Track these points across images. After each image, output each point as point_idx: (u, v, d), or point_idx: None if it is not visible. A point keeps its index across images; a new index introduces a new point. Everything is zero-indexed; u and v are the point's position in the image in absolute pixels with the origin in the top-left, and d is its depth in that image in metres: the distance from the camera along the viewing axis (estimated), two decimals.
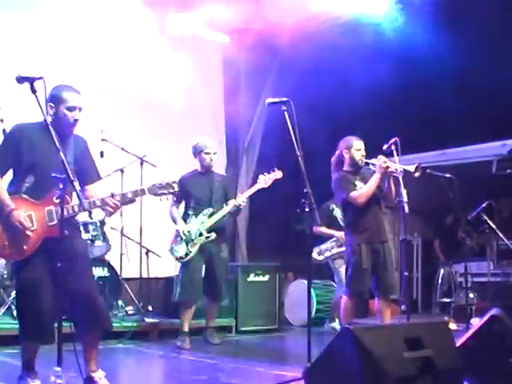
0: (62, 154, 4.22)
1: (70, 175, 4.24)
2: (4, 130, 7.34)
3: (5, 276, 7.95)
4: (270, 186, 7.90)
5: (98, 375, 4.89)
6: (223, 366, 6.42)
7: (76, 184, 4.34)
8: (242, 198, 7.77)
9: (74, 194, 4.67)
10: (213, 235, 7.70)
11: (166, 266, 9.47)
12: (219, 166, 11.44)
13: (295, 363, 6.04)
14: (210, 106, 11.61)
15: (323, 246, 8.79)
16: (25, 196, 4.71)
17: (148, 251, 9.02)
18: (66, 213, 4.53)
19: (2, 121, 7.57)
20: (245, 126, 11.85)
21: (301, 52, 10.26)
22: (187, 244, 7.73)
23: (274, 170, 7.82)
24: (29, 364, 4.86)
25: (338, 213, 8.74)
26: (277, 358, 7.36)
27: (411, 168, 6.82)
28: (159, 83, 10.69)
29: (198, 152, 8.03)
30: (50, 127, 4.32)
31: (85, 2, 9.83)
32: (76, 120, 4.82)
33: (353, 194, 6.85)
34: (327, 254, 8.76)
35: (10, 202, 4.64)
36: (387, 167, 6.71)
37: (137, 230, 8.94)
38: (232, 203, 7.73)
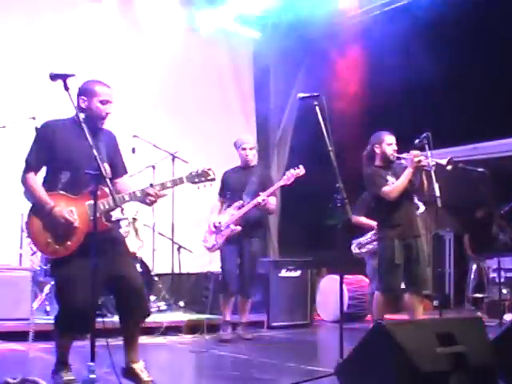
0: (94, 150, 4.25)
1: (103, 172, 4.28)
2: (36, 128, 7.42)
3: (38, 272, 8.03)
4: (300, 182, 7.84)
5: (139, 366, 4.88)
6: (255, 362, 6.42)
7: (109, 181, 4.37)
8: (262, 196, 7.67)
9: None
10: (237, 228, 7.71)
11: (197, 262, 9.52)
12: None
13: (327, 359, 6.04)
14: (240, 101, 11.64)
15: (363, 239, 8.51)
16: (62, 192, 4.74)
17: (180, 247, 9.05)
18: (106, 206, 4.67)
19: (34, 118, 7.64)
20: (276, 120, 11.85)
21: (332, 44, 10.25)
22: (216, 235, 7.84)
23: (298, 167, 7.74)
24: (63, 358, 4.90)
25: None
26: (309, 353, 7.35)
27: (443, 162, 6.77)
28: (190, 79, 10.74)
29: (236, 148, 8.09)
30: (83, 124, 4.36)
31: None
32: (107, 113, 4.88)
33: (385, 189, 6.81)
34: (369, 247, 8.50)
35: (49, 200, 4.68)
36: (419, 161, 6.67)
37: (169, 226, 8.98)
38: (256, 200, 7.68)
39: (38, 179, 4.84)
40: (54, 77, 4.36)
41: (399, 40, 9.44)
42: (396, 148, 6.98)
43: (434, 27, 9.42)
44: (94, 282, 4.25)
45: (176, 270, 9.03)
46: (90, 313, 4.30)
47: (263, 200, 7.62)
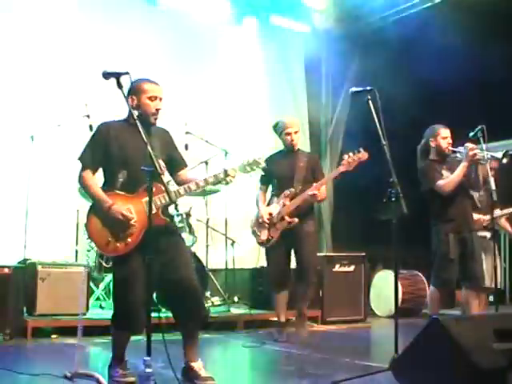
0: (149, 147, 4.28)
1: (158, 168, 4.32)
2: (91, 126, 7.51)
3: (94, 268, 8.13)
4: (353, 176, 7.40)
5: (198, 365, 4.93)
6: (309, 357, 6.42)
7: (163, 177, 4.42)
8: (318, 185, 7.20)
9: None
10: (295, 220, 7.22)
11: (251, 257, 9.55)
12: None
13: (382, 354, 6.01)
14: (292, 98, 11.63)
15: None
16: (119, 192, 4.83)
17: (233, 242, 9.08)
18: (162, 201, 4.76)
19: (88, 116, 7.74)
20: (327, 117, 11.81)
21: (384, 39, 10.17)
22: (269, 229, 7.38)
23: (359, 151, 7.10)
24: (119, 353, 4.97)
25: (474, 193, 7.82)
26: (363, 348, 7.33)
27: (499, 155, 6.69)
28: (242, 75, 10.76)
29: (279, 133, 7.65)
30: (137, 121, 4.41)
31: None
32: (158, 109, 4.95)
33: (440, 182, 6.76)
34: None
35: (107, 198, 4.76)
36: (474, 155, 6.60)
37: (222, 222, 9.01)
38: (311, 190, 7.14)
39: (95, 179, 4.92)
40: (107, 75, 4.40)
41: (453, 33, 9.34)
42: (451, 141, 6.91)
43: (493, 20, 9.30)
44: (149, 280, 4.30)
45: (230, 265, 9.05)
46: (144, 312, 4.34)
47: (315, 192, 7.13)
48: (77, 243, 8.40)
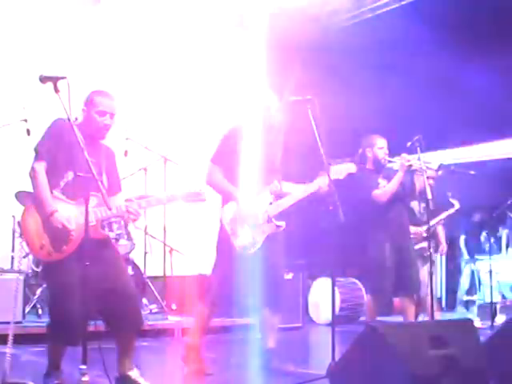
0: (85, 153, 4.21)
1: (95, 175, 4.22)
2: (28, 130, 7.40)
3: (30, 275, 8.02)
4: None
5: (135, 374, 4.85)
6: (248, 365, 6.41)
7: (100, 184, 4.31)
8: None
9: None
10: (283, 224, 6.45)
11: (190, 265, 9.51)
12: None
13: (319, 361, 6.03)
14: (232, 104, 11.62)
15: None
16: (60, 196, 4.66)
17: (172, 249, 9.03)
18: (102, 214, 4.64)
19: (26, 121, 7.62)
20: None
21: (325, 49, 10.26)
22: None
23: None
24: (55, 362, 4.88)
25: (415, 205, 8.29)
26: (301, 356, 7.34)
27: (434, 166, 6.80)
28: (182, 80, 10.73)
29: None
30: (75, 127, 4.33)
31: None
32: (105, 125, 4.83)
33: (376, 192, 6.84)
34: None
35: (52, 203, 4.56)
36: (410, 166, 6.70)
37: (161, 229, 8.96)
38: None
39: (45, 177, 4.66)
40: (43, 79, 4.33)
41: (394, 42, 9.48)
42: (387, 151, 7.00)
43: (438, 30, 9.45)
44: (84, 290, 4.23)
45: (168, 273, 9.00)
46: (81, 323, 4.25)
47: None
48: (13, 250, 8.26)
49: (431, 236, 7.66)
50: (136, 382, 4.81)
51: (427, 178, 6.87)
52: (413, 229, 8.07)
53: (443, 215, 8.41)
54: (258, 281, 5.19)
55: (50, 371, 4.89)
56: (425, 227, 7.66)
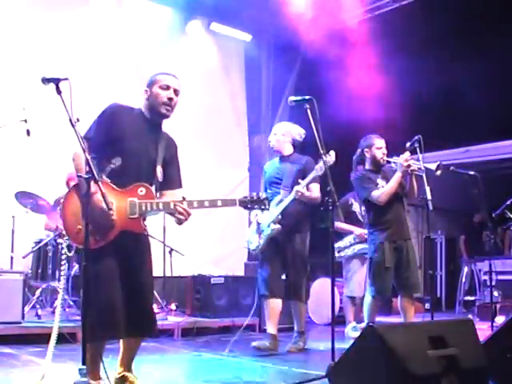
0: (85, 155, 4.09)
1: (96, 176, 4.06)
2: (28, 131, 7.41)
3: (29, 275, 8.02)
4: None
5: (132, 375, 4.73)
6: (246, 365, 6.42)
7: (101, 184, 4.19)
8: (299, 186, 6.83)
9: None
10: (276, 227, 6.99)
11: (189, 265, 9.52)
12: (242, 165, 11.51)
13: (319, 362, 6.04)
14: (232, 105, 11.63)
15: (341, 244, 8.65)
16: (107, 180, 4.46)
17: (172, 250, 9.03)
18: (148, 208, 4.42)
19: (25, 121, 7.62)
20: (268, 124, 11.84)
21: (323, 50, 10.25)
22: (259, 235, 7.22)
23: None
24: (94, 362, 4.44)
25: (356, 207, 8.61)
26: (300, 356, 7.34)
27: (432, 166, 6.80)
28: (182, 82, 10.72)
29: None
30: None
31: (107, 4, 9.89)
32: (170, 99, 4.78)
33: (374, 193, 6.85)
34: (348, 251, 8.63)
35: (93, 186, 4.13)
36: (409, 166, 6.70)
37: (160, 229, 8.97)
38: (294, 191, 6.87)
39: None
40: (45, 80, 4.33)
41: (391, 44, 9.49)
42: (386, 152, 7.01)
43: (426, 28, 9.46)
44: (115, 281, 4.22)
45: (168, 273, 9.01)
46: (121, 312, 4.23)
47: (298, 191, 6.84)
48: (12, 250, 8.26)
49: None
50: (133, 383, 4.69)
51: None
52: (358, 230, 8.26)
53: None
54: None
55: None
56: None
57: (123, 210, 4.39)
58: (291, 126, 7.42)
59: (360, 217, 8.41)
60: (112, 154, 4.51)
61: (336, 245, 8.48)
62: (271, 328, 7.22)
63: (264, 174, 7.56)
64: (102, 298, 4.29)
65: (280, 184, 7.18)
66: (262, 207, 4.68)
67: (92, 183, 4.08)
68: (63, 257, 7.70)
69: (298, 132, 7.33)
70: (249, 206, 4.65)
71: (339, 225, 8.31)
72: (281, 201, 7.04)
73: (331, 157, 6.41)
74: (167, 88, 4.81)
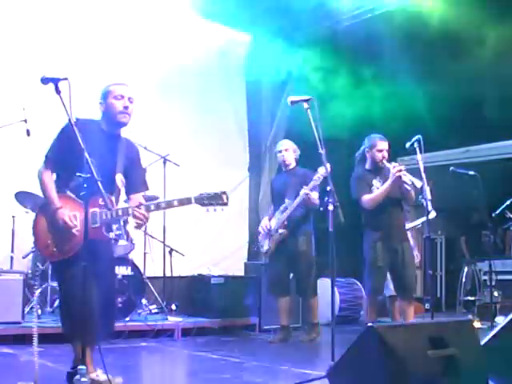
0: (86, 154, 4.24)
1: (95, 175, 4.26)
2: (28, 131, 7.40)
3: (29, 275, 8.01)
4: None
5: (97, 374, 4.71)
6: (246, 365, 6.42)
7: (100, 184, 4.32)
8: (305, 190, 7.66)
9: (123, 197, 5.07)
10: (283, 231, 8.00)
11: (189, 265, 9.52)
12: (242, 165, 11.50)
13: (319, 362, 6.04)
14: (232, 105, 11.61)
15: None
16: (70, 194, 4.75)
17: (172, 250, 9.03)
18: (108, 216, 4.67)
19: (25, 121, 7.62)
20: (267, 124, 11.83)
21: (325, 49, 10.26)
22: (269, 240, 8.18)
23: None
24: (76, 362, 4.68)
25: None
26: (300, 356, 7.35)
27: (418, 184, 6.75)
28: (181, 82, 10.72)
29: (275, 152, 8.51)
30: (75, 127, 4.33)
31: (107, 4, 9.89)
32: (126, 107, 4.89)
33: (365, 197, 6.90)
34: None
35: (57, 202, 4.68)
36: (400, 177, 6.71)
37: (160, 229, 8.96)
38: (301, 194, 7.72)
39: (52, 178, 4.85)
40: (45, 80, 4.34)
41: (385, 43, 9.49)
42: (386, 155, 7.00)
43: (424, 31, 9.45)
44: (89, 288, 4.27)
45: (168, 273, 9.01)
46: (95, 317, 4.39)
47: (306, 195, 7.65)
48: (12, 250, 8.25)
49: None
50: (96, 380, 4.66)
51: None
52: None
53: (419, 221, 8.41)
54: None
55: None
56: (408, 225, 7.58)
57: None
58: (294, 144, 8.38)
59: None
60: (74, 169, 4.59)
61: None
62: (283, 320, 8.20)
63: (271, 187, 8.65)
64: (76, 302, 4.36)
65: (284, 194, 8.08)
66: (220, 202, 4.72)
67: (59, 197, 4.63)
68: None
69: (297, 149, 8.33)
70: (205, 202, 4.72)
71: None
72: (286, 208, 7.95)
73: (323, 171, 7.03)
74: (122, 97, 4.91)
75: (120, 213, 4.69)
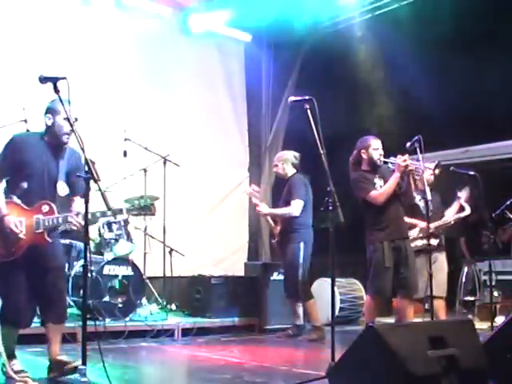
0: (85, 155, 4.30)
1: (95, 175, 4.40)
2: (28, 131, 7.40)
3: None
4: None
5: (64, 358, 5.18)
6: (246, 365, 6.42)
7: (100, 184, 4.41)
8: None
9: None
10: (273, 241, 8.78)
11: (189, 265, 9.52)
12: (242, 165, 11.50)
13: (319, 362, 6.03)
14: (232, 104, 11.62)
15: None
16: (17, 201, 5.09)
17: (171, 250, 9.03)
18: (50, 223, 5.02)
19: (25, 121, 7.62)
20: (267, 124, 11.84)
21: (323, 50, 10.26)
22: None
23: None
24: (11, 349, 5.12)
25: (420, 201, 7.83)
26: (300, 356, 7.35)
27: (431, 166, 6.78)
28: (182, 82, 10.72)
29: None
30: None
31: (107, 3, 9.88)
32: (72, 130, 4.99)
33: (373, 193, 6.83)
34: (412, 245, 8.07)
35: (5, 209, 4.99)
36: (406, 166, 6.68)
37: (160, 229, 8.96)
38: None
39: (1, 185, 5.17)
40: (43, 79, 4.36)
41: (387, 43, 9.50)
42: (382, 152, 6.99)
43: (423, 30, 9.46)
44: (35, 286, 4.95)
45: (168, 273, 9.01)
46: (27, 309, 5.06)
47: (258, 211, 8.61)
48: None
49: (435, 236, 7.63)
50: (66, 362, 5.11)
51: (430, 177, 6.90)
52: (422, 223, 7.75)
53: (452, 219, 8.21)
54: None
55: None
56: (432, 224, 7.51)
57: (30, 226, 5.02)
58: (286, 153, 8.69)
59: (423, 210, 7.90)
60: (20, 179, 5.13)
61: None
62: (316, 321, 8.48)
63: None
64: (11, 303, 5.04)
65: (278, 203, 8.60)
66: (148, 213, 5.19)
67: (6, 204, 4.99)
68: None
69: (293, 155, 8.55)
70: (135, 212, 5.20)
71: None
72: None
73: None
74: (66, 120, 5.02)
75: (60, 220, 5.01)
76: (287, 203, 8.30)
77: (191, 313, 8.96)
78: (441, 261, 7.93)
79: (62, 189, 5.20)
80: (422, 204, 7.77)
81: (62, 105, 4.66)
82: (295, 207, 8.23)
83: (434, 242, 7.59)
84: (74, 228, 5.06)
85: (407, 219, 7.62)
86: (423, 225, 7.59)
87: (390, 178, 6.80)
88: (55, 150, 5.22)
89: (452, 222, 8.09)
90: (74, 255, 8.14)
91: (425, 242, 7.58)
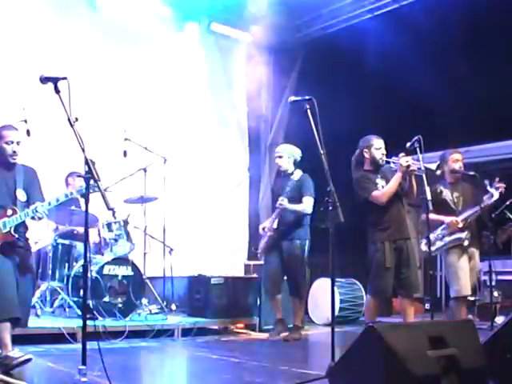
0: (85, 155, 4.28)
1: (95, 175, 4.47)
2: (28, 131, 7.40)
3: None
4: None
5: (15, 352, 5.32)
6: (246, 365, 6.41)
7: (100, 184, 4.45)
8: (280, 198, 8.14)
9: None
10: (271, 234, 8.28)
11: (189, 265, 9.51)
12: (242, 165, 11.51)
13: (319, 362, 6.03)
14: (232, 105, 11.63)
15: (432, 236, 7.48)
16: None
17: (171, 250, 9.03)
18: (15, 222, 5.53)
19: (26, 121, 7.62)
20: (267, 124, 11.84)
21: (323, 51, 10.26)
22: (263, 240, 8.46)
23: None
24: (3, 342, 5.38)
25: (447, 194, 7.72)
26: (300, 356, 7.35)
27: (433, 166, 6.78)
28: (182, 82, 10.73)
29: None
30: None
31: (109, 5, 9.88)
32: (14, 151, 5.71)
33: (375, 193, 6.83)
34: (438, 243, 7.64)
35: None
36: (408, 166, 6.68)
37: (160, 229, 8.96)
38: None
39: None
40: (44, 80, 4.35)
41: (391, 43, 9.48)
42: (385, 152, 6.98)
43: (428, 33, 9.46)
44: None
45: (168, 273, 9.00)
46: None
47: (280, 204, 8.09)
48: None
49: (465, 228, 7.46)
50: (16, 357, 5.25)
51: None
52: (448, 218, 7.60)
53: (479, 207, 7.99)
54: None
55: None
56: (460, 217, 7.43)
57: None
58: (293, 148, 8.52)
59: (452, 204, 7.82)
60: None
61: (424, 238, 7.63)
62: (278, 314, 8.49)
63: (271, 190, 9.11)
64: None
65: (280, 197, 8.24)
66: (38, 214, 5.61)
67: None
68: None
69: (297, 152, 8.43)
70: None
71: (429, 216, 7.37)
72: (275, 209, 8.26)
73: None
74: (11, 143, 5.74)
75: (23, 216, 5.52)
76: (296, 199, 8.20)
77: (191, 313, 8.96)
78: (477, 259, 7.73)
79: (22, 196, 5.74)
80: (449, 198, 7.66)
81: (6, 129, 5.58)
82: (308, 204, 8.20)
83: (462, 235, 7.44)
84: (40, 216, 5.52)
85: (433, 216, 7.32)
86: (449, 220, 7.50)
87: (392, 177, 6.80)
88: (9, 168, 5.77)
89: (479, 212, 7.84)
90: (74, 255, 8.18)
91: (454, 236, 7.50)
